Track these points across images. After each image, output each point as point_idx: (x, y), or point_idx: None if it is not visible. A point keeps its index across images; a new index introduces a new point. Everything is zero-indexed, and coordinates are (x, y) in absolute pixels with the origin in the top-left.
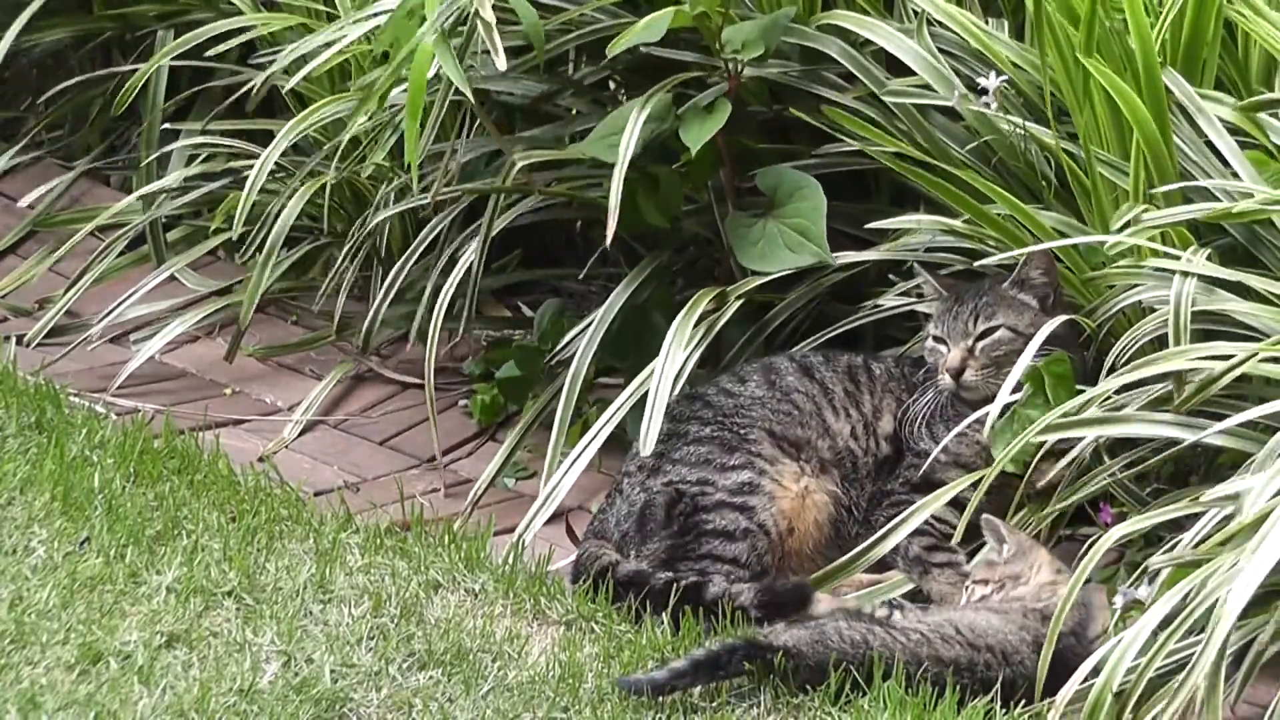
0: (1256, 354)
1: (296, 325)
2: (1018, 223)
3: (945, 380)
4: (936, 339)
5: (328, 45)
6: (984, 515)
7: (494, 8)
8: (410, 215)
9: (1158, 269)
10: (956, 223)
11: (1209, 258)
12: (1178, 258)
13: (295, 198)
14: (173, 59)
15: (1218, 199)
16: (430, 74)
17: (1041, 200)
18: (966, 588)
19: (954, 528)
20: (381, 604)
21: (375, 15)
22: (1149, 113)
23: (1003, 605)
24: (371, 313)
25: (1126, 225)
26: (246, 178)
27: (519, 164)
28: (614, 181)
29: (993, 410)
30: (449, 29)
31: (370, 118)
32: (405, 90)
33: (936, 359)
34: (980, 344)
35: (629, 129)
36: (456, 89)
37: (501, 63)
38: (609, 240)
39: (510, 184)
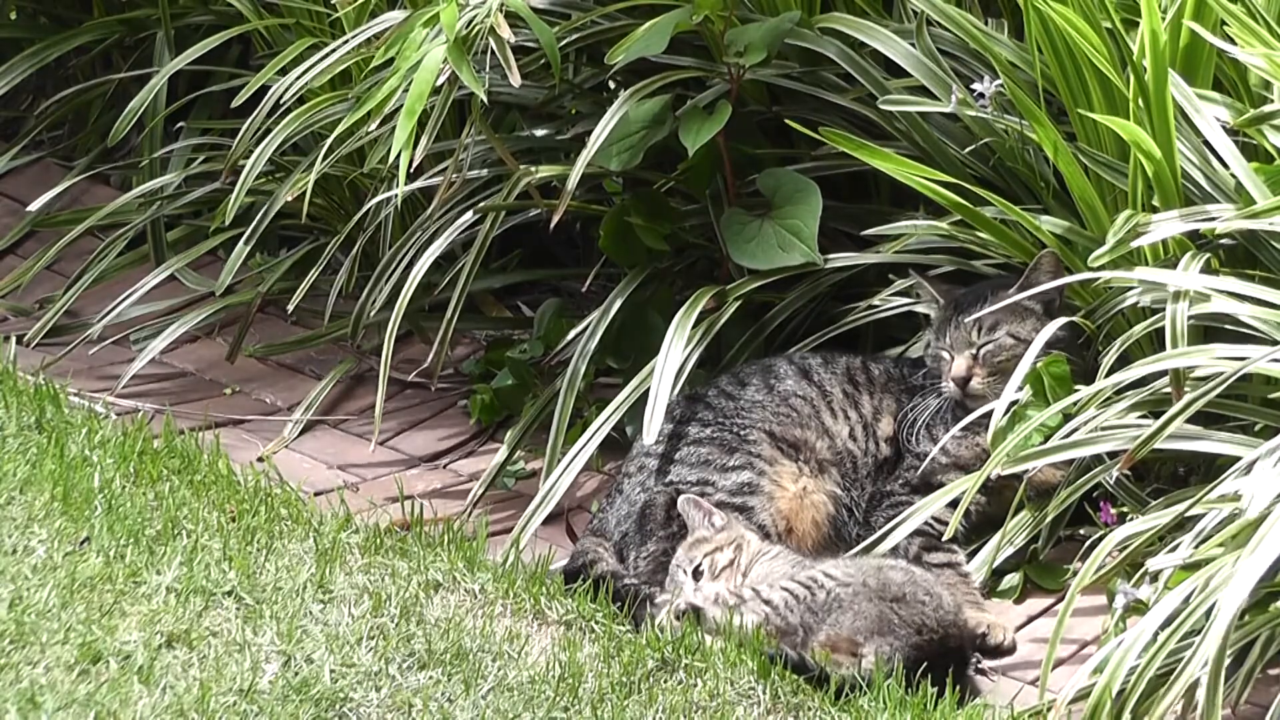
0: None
1: (296, 325)
2: (1019, 228)
3: (951, 388)
4: (939, 347)
5: (330, 54)
6: (682, 495)
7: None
8: (410, 214)
9: (1150, 282)
10: (953, 227)
11: (1209, 261)
12: (1175, 264)
13: (284, 187)
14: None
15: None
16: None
17: (1041, 202)
18: (683, 570)
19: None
20: (381, 604)
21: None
22: (1155, 127)
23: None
24: (357, 310)
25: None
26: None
27: (524, 181)
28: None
29: (995, 413)
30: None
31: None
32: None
33: (940, 366)
34: (984, 350)
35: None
36: (457, 91)
37: (516, 79)
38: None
39: (515, 202)
